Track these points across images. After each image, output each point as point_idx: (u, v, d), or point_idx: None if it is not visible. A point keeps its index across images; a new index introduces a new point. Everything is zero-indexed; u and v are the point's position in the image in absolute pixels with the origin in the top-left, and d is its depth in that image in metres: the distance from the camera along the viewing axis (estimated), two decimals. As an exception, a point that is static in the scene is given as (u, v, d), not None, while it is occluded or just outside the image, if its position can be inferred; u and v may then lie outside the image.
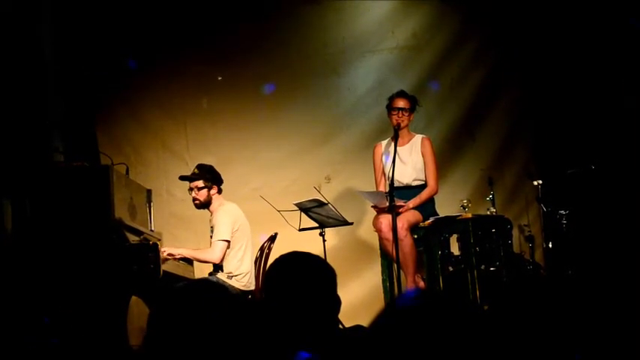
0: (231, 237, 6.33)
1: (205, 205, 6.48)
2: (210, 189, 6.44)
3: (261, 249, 6.56)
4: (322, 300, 2.15)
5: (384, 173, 6.56)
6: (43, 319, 5.33)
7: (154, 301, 5.41)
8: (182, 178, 6.61)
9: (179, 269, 6.39)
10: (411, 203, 6.36)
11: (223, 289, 1.93)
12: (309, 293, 2.15)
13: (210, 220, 6.47)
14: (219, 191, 6.49)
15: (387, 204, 6.21)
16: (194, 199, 6.49)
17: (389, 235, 6.19)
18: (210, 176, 6.45)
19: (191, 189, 6.49)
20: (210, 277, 6.37)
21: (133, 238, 5.78)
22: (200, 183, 6.44)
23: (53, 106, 6.71)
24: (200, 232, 7.33)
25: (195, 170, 6.50)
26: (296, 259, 2.33)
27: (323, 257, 6.41)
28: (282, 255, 2.43)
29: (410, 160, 6.51)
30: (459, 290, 6.33)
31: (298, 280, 2.21)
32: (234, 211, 6.45)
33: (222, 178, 6.55)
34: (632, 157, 7.16)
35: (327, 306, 2.17)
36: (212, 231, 6.42)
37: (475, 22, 8.00)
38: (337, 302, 2.30)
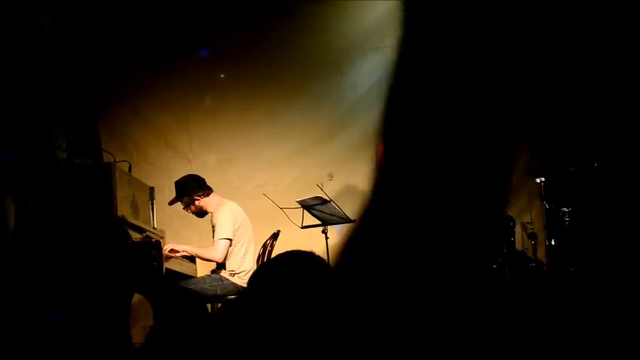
0: (233, 235, 6.33)
1: (201, 214, 6.51)
2: (194, 202, 6.43)
3: (264, 246, 6.56)
4: (313, 302, 2.11)
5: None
6: (47, 316, 5.33)
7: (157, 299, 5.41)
8: (170, 203, 6.60)
9: (182, 267, 6.39)
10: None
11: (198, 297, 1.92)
12: (298, 294, 2.10)
13: (211, 220, 6.47)
14: (207, 194, 6.46)
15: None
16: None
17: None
18: (189, 191, 6.42)
19: None
20: (212, 275, 6.38)
21: (135, 236, 5.78)
22: (182, 203, 6.46)
23: (56, 103, 6.71)
24: (203, 230, 7.33)
25: (175, 192, 6.51)
26: (286, 261, 2.25)
27: (325, 254, 6.43)
28: (272, 258, 2.40)
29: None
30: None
31: (285, 283, 2.15)
32: (234, 209, 6.44)
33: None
34: (634, 154, 7.15)
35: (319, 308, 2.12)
36: (214, 231, 6.41)
37: (477, 19, 7.98)
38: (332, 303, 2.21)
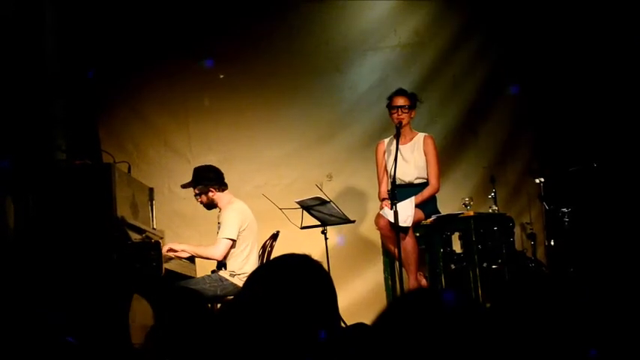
0: (238, 236, 6.33)
1: (210, 206, 6.50)
2: (207, 193, 6.43)
3: (264, 247, 6.57)
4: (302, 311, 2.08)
5: (386, 171, 6.57)
6: (47, 316, 5.33)
7: (156, 300, 5.40)
8: (183, 186, 6.62)
9: (181, 267, 6.39)
10: (414, 201, 6.37)
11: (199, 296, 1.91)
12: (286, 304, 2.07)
13: (218, 217, 6.47)
14: (222, 189, 6.47)
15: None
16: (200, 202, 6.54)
17: (391, 233, 6.20)
18: (205, 181, 6.43)
19: None
20: (212, 275, 6.38)
21: (134, 237, 5.78)
22: (195, 190, 6.45)
23: (56, 104, 6.71)
24: (203, 230, 7.33)
25: (192, 177, 6.52)
26: (280, 265, 2.20)
27: (325, 255, 6.44)
28: (267, 262, 2.39)
29: (412, 159, 6.51)
30: (461, 288, 6.33)
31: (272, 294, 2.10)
32: (243, 210, 6.45)
33: (224, 175, 6.54)
34: (634, 154, 7.15)
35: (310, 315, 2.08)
36: (219, 227, 6.42)
37: (477, 19, 7.99)
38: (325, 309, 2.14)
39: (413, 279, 6.29)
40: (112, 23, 7.78)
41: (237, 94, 8.02)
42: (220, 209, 6.46)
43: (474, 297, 6.15)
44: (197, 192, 6.45)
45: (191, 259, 6.64)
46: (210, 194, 6.43)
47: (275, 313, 2.01)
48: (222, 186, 6.47)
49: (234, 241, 6.32)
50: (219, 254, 6.32)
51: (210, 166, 6.58)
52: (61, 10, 6.98)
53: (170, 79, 8.01)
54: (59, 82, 6.82)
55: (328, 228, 6.66)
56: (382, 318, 1.54)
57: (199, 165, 6.64)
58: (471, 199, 6.72)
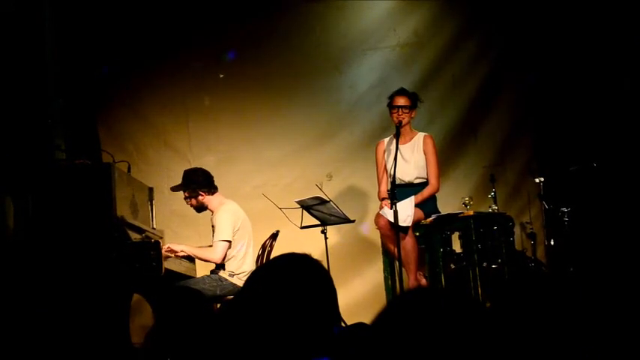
0: (233, 237, 6.33)
1: (200, 209, 6.50)
2: (197, 196, 6.42)
3: (263, 246, 6.57)
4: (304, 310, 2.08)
5: (386, 171, 6.57)
6: (46, 316, 5.33)
7: (156, 300, 5.41)
8: (172, 189, 6.61)
9: (181, 267, 6.39)
10: (414, 200, 6.37)
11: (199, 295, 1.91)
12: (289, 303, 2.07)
13: (211, 220, 6.47)
14: (212, 192, 6.45)
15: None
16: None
17: (391, 233, 6.20)
18: (194, 184, 6.42)
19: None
20: (212, 275, 6.38)
21: (134, 236, 5.78)
22: (185, 193, 6.45)
23: (55, 103, 6.71)
24: (202, 230, 7.33)
25: (182, 180, 6.51)
26: (281, 264, 2.19)
27: (325, 255, 6.44)
28: (267, 262, 2.38)
29: (412, 158, 6.51)
30: (460, 288, 6.33)
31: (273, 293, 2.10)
32: (235, 210, 6.44)
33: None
34: (634, 154, 7.15)
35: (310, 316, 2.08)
36: (214, 231, 6.41)
37: (477, 19, 7.99)
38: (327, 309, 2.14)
39: (413, 278, 6.29)
40: (112, 23, 7.78)
41: (237, 94, 8.02)
42: (212, 212, 6.45)
43: (474, 297, 6.15)
44: (187, 195, 6.46)
45: (191, 258, 6.63)
46: (200, 198, 6.43)
47: (275, 312, 2.01)
48: (211, 189, 6.46)
49: (229, 242, 6.32)
50: (217, 257, 6.31)
51: (199, 169, 6.58)
52: (61, 10, 6.98)
53: (170, 79, 8.01)
54: (59, 81, 6.82)
55: (328, 227, 6.66)
56: (381, 317, 1.54)
57: (188, 168, 6.63)
58: (470, 198, 6.72)
